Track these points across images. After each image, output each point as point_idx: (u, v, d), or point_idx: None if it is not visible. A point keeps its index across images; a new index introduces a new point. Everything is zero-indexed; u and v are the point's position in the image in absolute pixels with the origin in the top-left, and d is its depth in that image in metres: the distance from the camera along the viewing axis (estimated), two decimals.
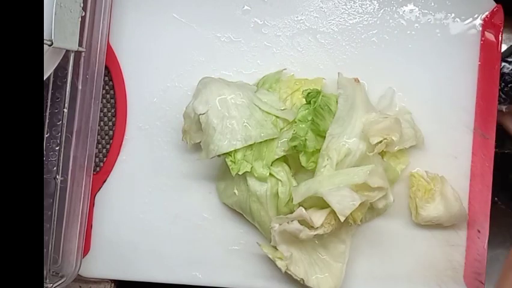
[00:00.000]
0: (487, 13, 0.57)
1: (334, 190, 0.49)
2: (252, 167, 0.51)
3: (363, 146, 0.51)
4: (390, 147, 0.52)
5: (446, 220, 0.54)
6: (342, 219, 0.48)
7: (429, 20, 0.57)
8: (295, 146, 0.51)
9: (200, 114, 0.51)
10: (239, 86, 0.53)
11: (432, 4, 0.58)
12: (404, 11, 0.58)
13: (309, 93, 0.51)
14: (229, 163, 0.51)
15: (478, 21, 0.57)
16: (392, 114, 0.53)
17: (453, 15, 0.57)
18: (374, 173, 0.50)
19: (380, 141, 0.50)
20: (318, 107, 0.51)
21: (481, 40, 0.57)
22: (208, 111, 0.51)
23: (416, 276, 0.56)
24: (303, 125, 0.51)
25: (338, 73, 0.53)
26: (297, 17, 0.58)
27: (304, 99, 0.52)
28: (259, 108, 0.52)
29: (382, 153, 0.54)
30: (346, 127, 0.51)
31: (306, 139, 0.50)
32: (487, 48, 0.57)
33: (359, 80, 0.54)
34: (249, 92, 0.53)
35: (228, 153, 0.51)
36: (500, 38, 0.57)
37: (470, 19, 0.57)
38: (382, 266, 0.56)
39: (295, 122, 0.51)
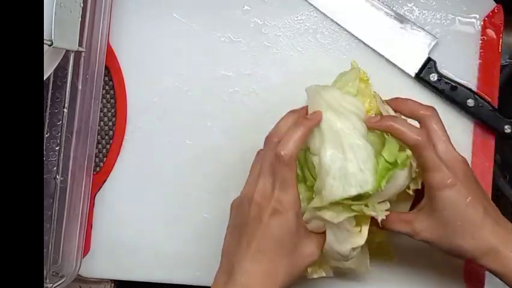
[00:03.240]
0: (487, 13, 0.57)
1: None
2: None
3: None
4: None
5: None
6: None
7: (429, 20, 0.57)
8: None
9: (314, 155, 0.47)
10: (348, 115, 0.47)
11: (433, 4, 0.58)
12: (404, 11, 0.58)
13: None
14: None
15: (478, 21, 0.57)
16: None
17: (453, 15, 0.57)
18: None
19: None
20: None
21: (481, 40, 0.57)
22: (321, 153, 0.46)
23: (416, 276, 0.56)
24: None
25: None
26: (297, 17, 0.58)
27: None
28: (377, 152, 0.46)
29: None
30: None
31: None
32: (487, 48, 0.57)
33: None
34: (359, 124, 0.47)
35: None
36: (500, 37, 0.57)
37: (470, 19, 0.57)
38: (382, 266, 0.56)
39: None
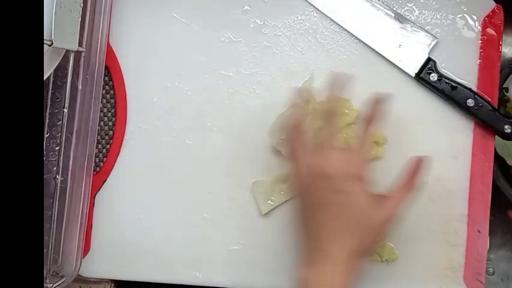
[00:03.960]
0: (487, 13, 0.57)
1: None
2: None
3: None
4: None
5: None
6: None
7: (429, 20, 0.57)
8: None
9: None
10: None
11: (432, 4, 0.58)
12: (404, 11, 0.58)
13: None
14: None
15: (478, 21, 0.57)
16: None
17: (453, 15, 0.57)
18: None
19: None
20: None
21: (481, 40, 0.57)
22: None
23: (416, 276, 0.56)
24: None
25: None
26: (297, 17, 0.58)
27: None
28: None
29: None
30: None
31: None
32: (487, 48, 0.57)
33: None
34: None
35: None
36: (500, 37, 0.57)
37: (470, 19, 0.57)
38: (382, 266, 0.56)
39: None
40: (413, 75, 0.57)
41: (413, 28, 0.57)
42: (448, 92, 0.56)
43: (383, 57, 0.57)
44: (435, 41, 0.57)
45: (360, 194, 0.47)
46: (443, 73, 0.56)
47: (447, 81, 0.56)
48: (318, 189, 0.47)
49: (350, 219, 0.46)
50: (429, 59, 0.56)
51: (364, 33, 0.58)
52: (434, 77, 0.56)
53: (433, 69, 0.56)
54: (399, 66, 0.57)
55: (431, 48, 0.57)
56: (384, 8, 0.57)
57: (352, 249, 0.46)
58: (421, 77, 0.56)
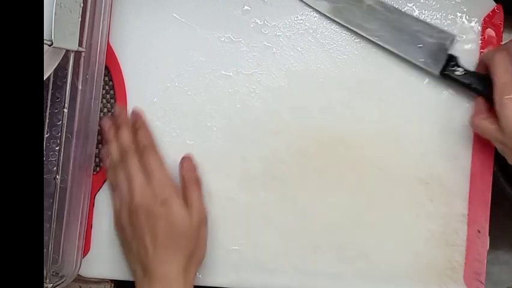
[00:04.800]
0: (487, 13, 0.57)
1: None
2: None
3: None
4: None
5: None
6: None
7: (429, 20, 0.57)
8: None
9: None
10: None
11: (432, 4, 0.58)
12: (404, 11, 0.58)
13: None
14: None
15: (478, 21, 0.57)
16: None
17: (453, 15, 0.57)
18: None
19: None
20: None
21: (481, 40, 0.57)
22: None
23: (416, 276, 0.56)
24: None
25: None
26: (297, 17, 0.58)
27: None
28: None
29: None
30: None
31: None
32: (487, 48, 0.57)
33: None
34: None
35: None
36: (500, 37, 0.57)
37: (470, 19, 0.57)
38: (382, 266, 0.56)
39: None
40: (437, 73, 0.55)
41: (428, 26, 0.56)
42: (476, 85, 0.54)
43: (383, 57, 0.57)
44: (454, 37, 0.56)
45: (169, 214, 0.51)
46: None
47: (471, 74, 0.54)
48: (132, 223, 0.52)
49: (169, 238, 0.51)
50: (451, 56, 0.55)
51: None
52: (460, 71, 0.54)
53: (457, 64, 0.54)
54: (422, 66, 0.55)
55: (450, 46, 0.55)
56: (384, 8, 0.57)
57: (180, 266, 0.51)
58: (446, 74, 0.55)
